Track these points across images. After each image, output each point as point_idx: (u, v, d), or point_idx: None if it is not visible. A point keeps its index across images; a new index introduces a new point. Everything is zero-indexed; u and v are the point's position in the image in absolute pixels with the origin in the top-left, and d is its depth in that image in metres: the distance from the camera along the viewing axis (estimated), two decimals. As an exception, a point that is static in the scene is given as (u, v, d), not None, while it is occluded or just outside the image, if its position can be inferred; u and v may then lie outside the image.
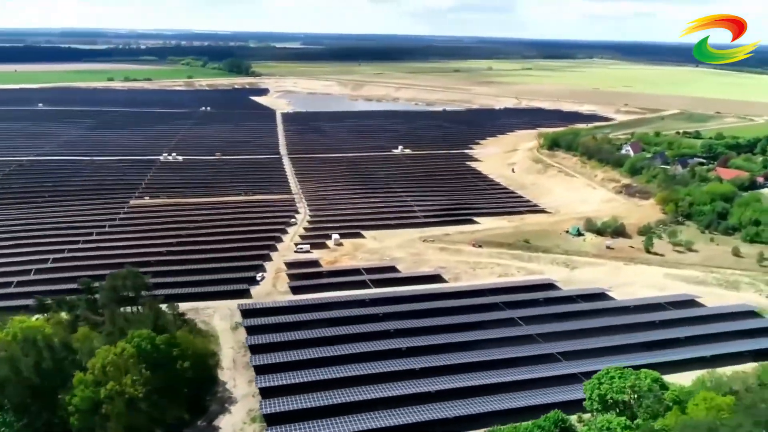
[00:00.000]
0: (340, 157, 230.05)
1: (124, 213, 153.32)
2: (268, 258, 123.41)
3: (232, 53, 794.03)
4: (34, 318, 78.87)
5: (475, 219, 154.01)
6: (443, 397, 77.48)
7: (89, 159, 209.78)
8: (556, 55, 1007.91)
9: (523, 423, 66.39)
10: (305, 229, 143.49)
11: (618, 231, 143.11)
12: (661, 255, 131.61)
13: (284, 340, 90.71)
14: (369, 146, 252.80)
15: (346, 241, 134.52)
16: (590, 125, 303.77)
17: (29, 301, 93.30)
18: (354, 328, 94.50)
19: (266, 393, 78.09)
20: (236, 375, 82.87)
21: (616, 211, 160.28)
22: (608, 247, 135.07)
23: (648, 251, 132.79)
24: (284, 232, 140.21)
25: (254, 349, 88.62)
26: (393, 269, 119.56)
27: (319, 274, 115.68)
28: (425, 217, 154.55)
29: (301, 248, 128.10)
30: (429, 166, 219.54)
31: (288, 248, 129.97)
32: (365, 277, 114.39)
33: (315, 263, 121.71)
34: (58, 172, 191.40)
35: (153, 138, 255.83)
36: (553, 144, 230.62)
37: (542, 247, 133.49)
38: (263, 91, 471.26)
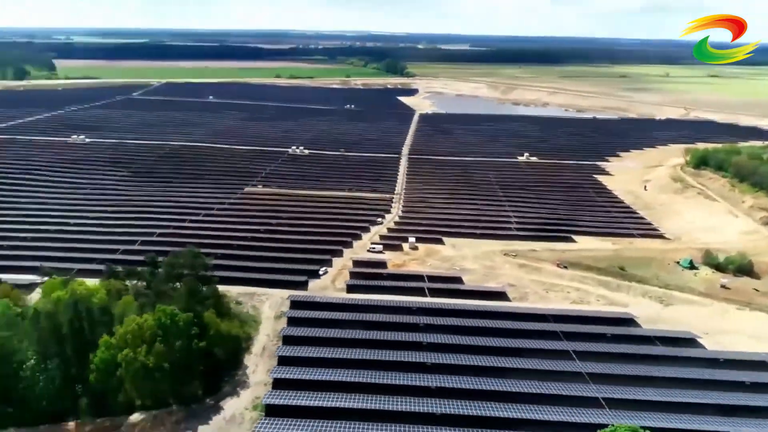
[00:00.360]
0: (458, 160, 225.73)
1: (236, 198, 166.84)
2: (339, 254, 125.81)
3: (394, 54, 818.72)
4: (97, 282, 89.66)
5: (574, 237, 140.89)
6: (446, 421, 72.47)
7: (228, 147, 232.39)
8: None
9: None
10: (388, 229, 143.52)
11: (744, 269, 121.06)
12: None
13: (316, 335, 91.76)
14: (494, 151, 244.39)
15: (422, 246, 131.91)
16: (766, 143, 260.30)
17: (119, 268, 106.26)
18: (389, 335, 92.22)
19: (277, 384, 79.80)
20: (260, 362, 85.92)
21: (753, 246, 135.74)
22: (723, 286, 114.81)
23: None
24: (367, 230, 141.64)
25: (286, 340, 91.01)
26: (457, 280, 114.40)
27: (380, 276, 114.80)
28: (518, 229, 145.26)
29: (374, 248, 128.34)
30: (549, 176, 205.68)
31: (363, 246, 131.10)
32: (425, 284, 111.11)
33: (381, 264, 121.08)
34: (198, 157, 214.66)
35: (291, 131, 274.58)
36: (701, 162, 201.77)
37: (637, 277, 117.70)
38: (412, 92, 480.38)
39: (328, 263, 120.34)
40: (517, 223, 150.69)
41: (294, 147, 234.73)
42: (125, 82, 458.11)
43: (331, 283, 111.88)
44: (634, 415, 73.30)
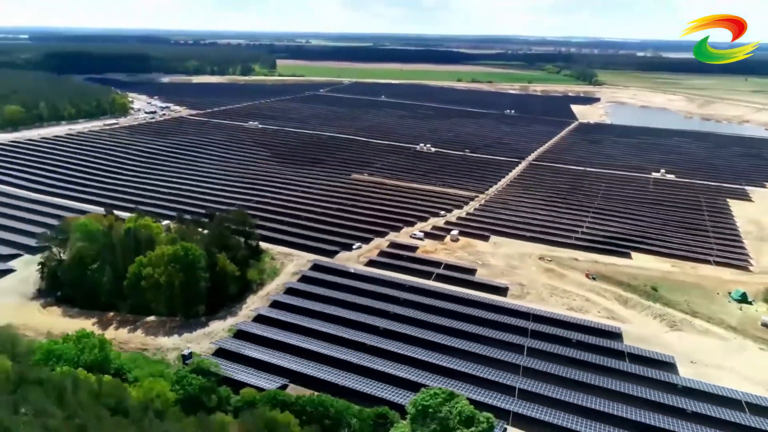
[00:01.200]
0: (580, 170, 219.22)
1: (341, 182, 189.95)
2: (383, 235, 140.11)
3: (592, 61, 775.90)
4: (163, 222, 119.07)
5: (633, 254, 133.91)
6: (365, 372, 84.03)
7: (367, 140, 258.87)
8: None
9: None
10: (447, 222, 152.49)
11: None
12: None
13: (313, 292, 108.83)
14: (630, 165, 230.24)
15: (464, 240, 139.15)
16: None
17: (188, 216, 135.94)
18: (370, 302, 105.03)
19: (257, 319, 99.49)
20: (258, 302, 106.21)
21: None
22: (764, 325, 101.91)
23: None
24: (424, 220, 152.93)
25: (287, 291, 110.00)
26: (470, 272, 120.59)
27: (401, 257, 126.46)
28: (578, 239, 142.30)
29: (416, 235, 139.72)
30: (669, 194, 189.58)
31: (409, 232, 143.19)
32: (437, 270, 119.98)
33: (412, 249, 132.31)
34: (334, 146, 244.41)
35: (435, 130, 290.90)
36: None
37: (666, 299, 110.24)
38: (592, 101, 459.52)
39: (367, 241, 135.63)
40: (584, 233, 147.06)
41: (422, 144, 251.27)
42: (323, 80, 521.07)
43: (357, 257, 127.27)
44: (534, 407, 76.55)
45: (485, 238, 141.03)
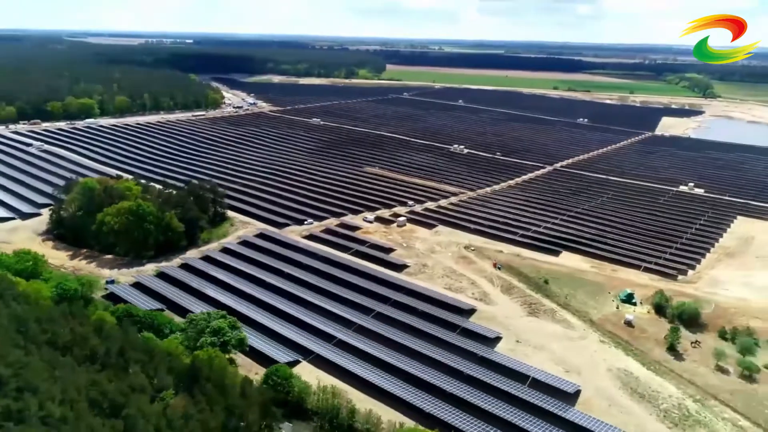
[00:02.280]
0: (600, 178, 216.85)
1: (352, 173, 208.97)
2: (339, 216, 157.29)
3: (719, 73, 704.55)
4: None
5: (564, 253, 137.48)
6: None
7: (408, 138, 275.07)
8: None
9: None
10: (410, 211, 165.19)
11: (691, 319, 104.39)
12: (680, 357, 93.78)
13: (242, 252, 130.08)
14: (660, 177, 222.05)
15: (410, 226, 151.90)
16: None
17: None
18: (280, 264, 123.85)
19: (181, 266, 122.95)
20: (194, 254, 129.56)
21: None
22: (626, 323, 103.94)
23: (670, 348, 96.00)
24: (389, 207, 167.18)
25: (222, 249, 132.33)
26: (386, 250, 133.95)
27: (336, 233, 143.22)
28: (522, 237, 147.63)
29: (367, 218, 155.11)
30: (675, 207, 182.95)
31: (365, 216, 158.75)
32: (359, 247, 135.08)
33: (353, 228, 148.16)
34: (371, 143, 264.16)
35: (486, 134, 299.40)
36: None
37: (548, 291, 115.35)
38: (692, 113, 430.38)
39: (321, 219, 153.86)
40: (534, 232, 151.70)
41: (456, 145, 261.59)
42: (417, 84, 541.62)
43: (302, 231, 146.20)
44: (349, 359, 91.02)
45: (430, 227, 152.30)
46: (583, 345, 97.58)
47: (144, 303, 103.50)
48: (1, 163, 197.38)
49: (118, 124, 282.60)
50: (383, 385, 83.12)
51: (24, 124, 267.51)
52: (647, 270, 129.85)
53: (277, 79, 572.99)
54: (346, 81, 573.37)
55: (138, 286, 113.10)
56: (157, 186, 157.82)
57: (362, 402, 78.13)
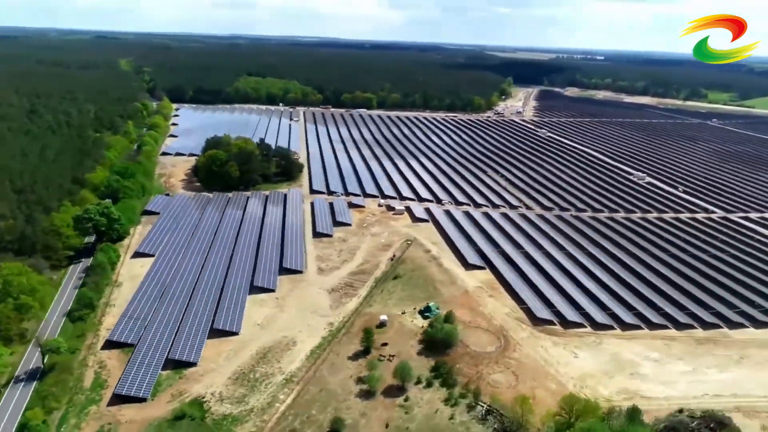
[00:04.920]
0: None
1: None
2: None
3: None
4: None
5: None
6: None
7: (577, 148, 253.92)
8: None
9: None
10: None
11: (445, 344, 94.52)
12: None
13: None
14: None
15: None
16: None
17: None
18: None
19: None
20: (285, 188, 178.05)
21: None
22: (381, 323, 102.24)
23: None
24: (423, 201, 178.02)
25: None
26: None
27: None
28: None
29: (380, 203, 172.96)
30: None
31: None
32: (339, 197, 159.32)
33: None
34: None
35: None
36: None
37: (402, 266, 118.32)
38: None
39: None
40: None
41: (638, 174, 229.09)
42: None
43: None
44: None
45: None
46: (309, 325, 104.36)
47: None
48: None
49: (381, 115, 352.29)
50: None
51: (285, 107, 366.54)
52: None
53: (601, 94, 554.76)
54: (677, 103, 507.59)
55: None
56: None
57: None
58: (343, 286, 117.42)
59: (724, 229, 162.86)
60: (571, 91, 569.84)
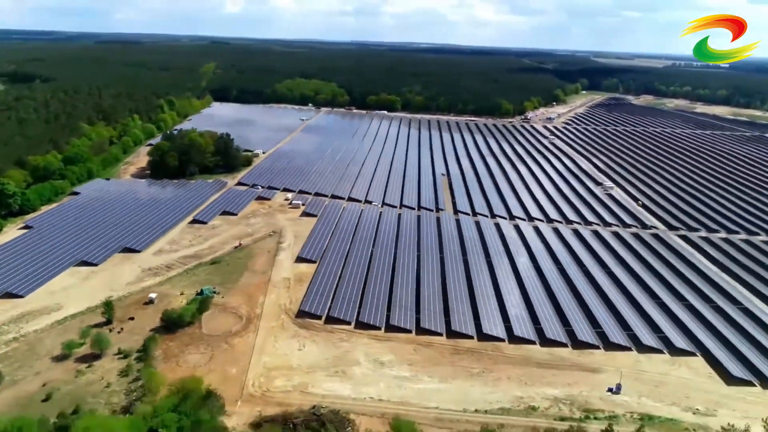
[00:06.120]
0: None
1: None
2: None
3: None
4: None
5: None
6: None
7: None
8: None
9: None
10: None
11: (176, 324, 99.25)
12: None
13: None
14: None
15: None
16: None
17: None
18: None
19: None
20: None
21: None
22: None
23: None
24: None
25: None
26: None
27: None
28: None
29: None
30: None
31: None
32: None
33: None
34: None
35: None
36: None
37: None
38: None
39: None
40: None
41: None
42: None
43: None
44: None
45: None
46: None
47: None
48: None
49: (404, 116, 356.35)
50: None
51: (308, 108, 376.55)
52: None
53: (674, 103, 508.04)
54: (760, 114, 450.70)
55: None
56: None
57: None
58: (161, 266, 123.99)
59: None
60: (644, 99, 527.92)
